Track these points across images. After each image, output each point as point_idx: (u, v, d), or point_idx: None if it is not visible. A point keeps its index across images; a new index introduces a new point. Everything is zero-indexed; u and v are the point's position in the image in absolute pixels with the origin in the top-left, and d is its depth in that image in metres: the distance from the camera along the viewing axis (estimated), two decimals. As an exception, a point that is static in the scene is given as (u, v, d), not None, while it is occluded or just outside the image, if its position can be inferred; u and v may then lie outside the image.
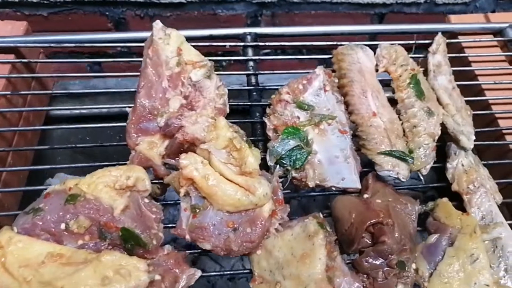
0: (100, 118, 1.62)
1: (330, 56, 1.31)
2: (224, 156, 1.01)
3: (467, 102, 1.27)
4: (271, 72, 1.31)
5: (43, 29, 1.85)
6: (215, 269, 1.69)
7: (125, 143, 1.09)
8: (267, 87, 1.29)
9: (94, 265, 0.84)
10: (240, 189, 0.97)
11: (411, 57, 1.31)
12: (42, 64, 1.44)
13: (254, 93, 1.27)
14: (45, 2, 1.75)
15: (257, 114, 1.23)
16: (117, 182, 0.97)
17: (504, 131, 1.29)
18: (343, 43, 1.31)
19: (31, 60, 1.28)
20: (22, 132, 1.33)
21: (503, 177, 1.22)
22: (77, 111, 1.57)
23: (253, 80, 1.29)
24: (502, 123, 1.31)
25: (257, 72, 1.30)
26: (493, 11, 2.14)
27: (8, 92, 1.21)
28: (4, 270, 0.84)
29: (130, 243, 0.91)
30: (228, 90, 1.15)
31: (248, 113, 1.32)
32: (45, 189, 0.98)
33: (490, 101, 1.34)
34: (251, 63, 1.32)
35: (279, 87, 1.20)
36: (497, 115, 1.32)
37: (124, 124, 1.13)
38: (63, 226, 0.91)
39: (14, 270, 0.83)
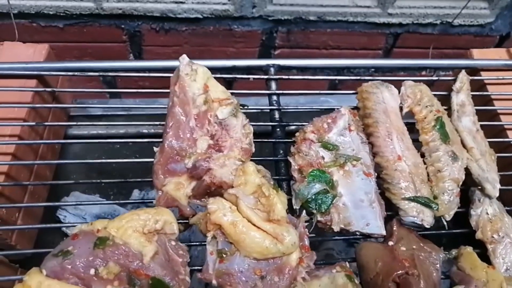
0: (117, 138, 1.62)
1: (354, 92, 1.31)
2: (252, 202, 1.01)
3: (489, 142, 1.27)
4: (295, 108, 1.31)
5: (59, 39, 1.85)
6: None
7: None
8: (290, 125, 1.29)
9: (125, 316, 0.84)
10: (268, 236, 0.97)
11: (434, 94, 1.31)
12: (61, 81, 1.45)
13: (278, 130, 1.27)
14: (61, 14, 1.74)
15: (281, 152, 1.23)
16: (145, 226, 0.97)
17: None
18: (366, 78, 1.32)
19: (55, 89, 1.28)
20: (42, 155, 1.34)
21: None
22: (95, 131, 1.57)
23: (276, 115, 1.29)
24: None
25: (280, 107, 1.30)
26: (508, 34, 2.16)
27: (33, 123, 1.21)
28: (35, 317, 0.84)
29: (159, 292, 0.91)
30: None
31: (270, 134, 1.32)
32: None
33: (512, 142, 1.35)
34: (274, 97, 1.31)
35: (303, 125, 1.20)
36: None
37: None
38: (92, 271, 0.91)
39: (45, 318, 0.84)
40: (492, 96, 1.42)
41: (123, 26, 1.85)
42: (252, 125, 1.18)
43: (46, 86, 1.31)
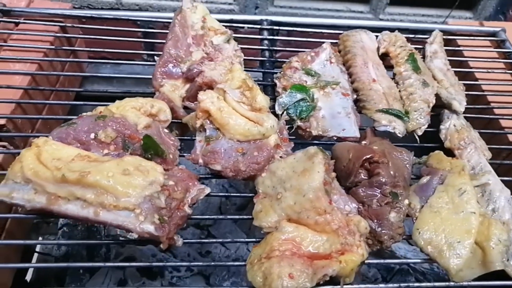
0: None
1: (336, 40, 1.47)
2: (238, 95, 1.13)
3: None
4: (284, 49, 1.47)
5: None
6: (221, 251, 1.77)
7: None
8: (279, 60, 1.43)
9: (117, 161, 0.94)
10: (250, 122, 1.08)
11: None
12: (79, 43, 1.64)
13: (267, 64, 1.41)
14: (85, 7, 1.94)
15: (269, 80, 1.36)
16: (142, 107, 1.10)
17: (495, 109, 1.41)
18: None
19: (74, 25, 1.46)
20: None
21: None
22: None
23: (267, 54, 1.44)
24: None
25: (271, 48, 1.45)
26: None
27: (53, 47, 1.38)
28: (39, 162, 0.95)
29: (149, 152, 1.02)
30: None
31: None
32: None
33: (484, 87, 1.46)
34: (266, 42, 1.48)
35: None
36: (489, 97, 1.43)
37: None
38: (92, 135, 1.02)
39: (48, 162, 0.94)
40: (465, 53, 1.56)
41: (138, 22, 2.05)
42: (244, 59, 1.34)
43: (67, 43, 1.51)
